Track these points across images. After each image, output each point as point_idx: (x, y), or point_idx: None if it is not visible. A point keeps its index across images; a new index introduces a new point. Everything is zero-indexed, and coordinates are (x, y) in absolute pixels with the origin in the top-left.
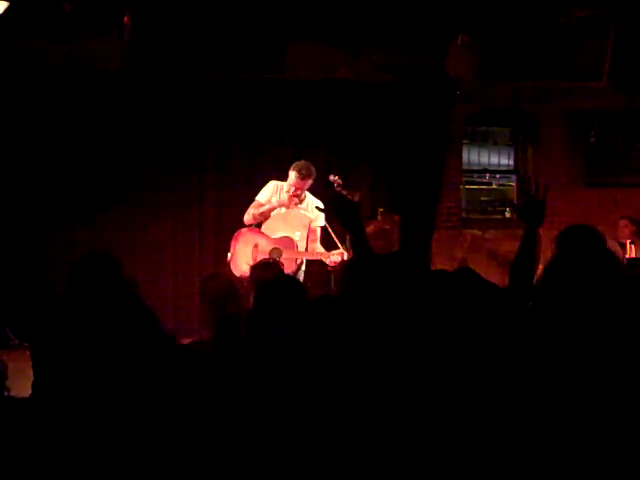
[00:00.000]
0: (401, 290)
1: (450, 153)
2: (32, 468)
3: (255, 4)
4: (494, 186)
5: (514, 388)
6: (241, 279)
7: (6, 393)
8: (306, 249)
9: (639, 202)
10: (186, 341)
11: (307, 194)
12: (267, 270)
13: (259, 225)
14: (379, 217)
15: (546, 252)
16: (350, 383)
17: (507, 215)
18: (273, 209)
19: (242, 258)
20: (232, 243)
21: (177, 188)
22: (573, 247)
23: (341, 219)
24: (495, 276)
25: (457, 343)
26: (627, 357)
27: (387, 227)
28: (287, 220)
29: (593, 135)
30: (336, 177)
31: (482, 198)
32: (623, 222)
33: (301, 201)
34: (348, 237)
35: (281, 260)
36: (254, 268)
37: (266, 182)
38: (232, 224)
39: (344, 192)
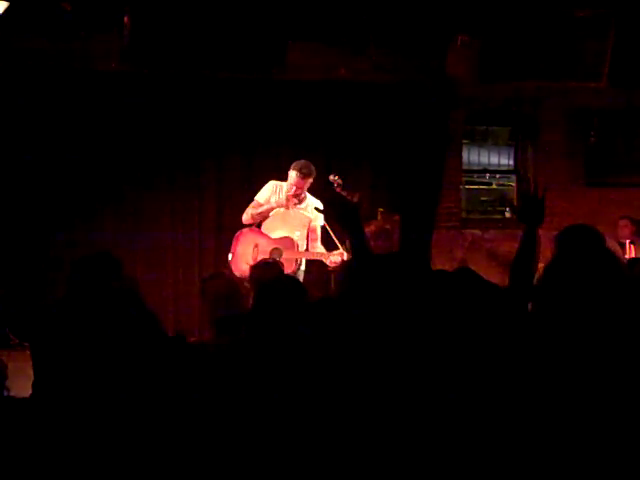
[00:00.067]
0: (401, 290)
1: (450, 153)
2: (32, 468)
3: (255, 4)
4: (494, 186)
5: (514, 388)
6: (242, 279)
7: (6, 393)
8: (306, 249)
9: (639, 202)
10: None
11: (307, 194)
12: (267, 270)
13: (259, 225)
14: (379, 217)
15: (546, 252)
16: (350, 383)
17: (507, 215)
18: (271, 209)
19: (243, 258)
20: (233, 243)
21: (177, 188)
22: (573, 247)
23: (340, 220)
24: (495, 276)
25: (457, 343)
26: (627, 357)
27: (387, 227)
28: (286, 220)
29: (593, 135)
30: (336, 177)
31: (482, 198)
32: (623, 222)
33: (301, 201)
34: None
35: (281, 260)
36: (254, 268)
37: (266, 182)
38: (232, 224)
39: (343, 193)
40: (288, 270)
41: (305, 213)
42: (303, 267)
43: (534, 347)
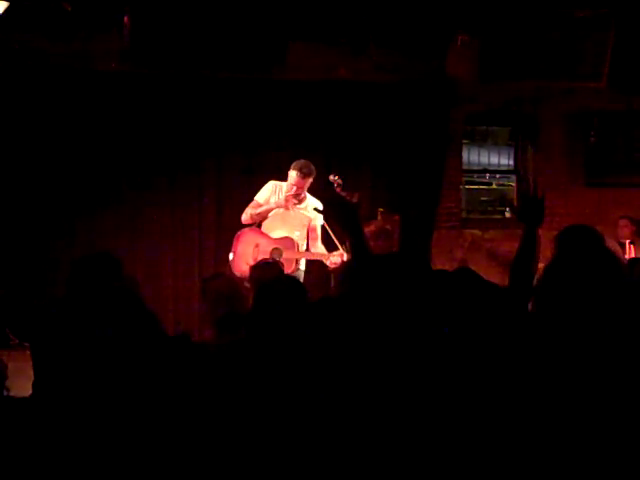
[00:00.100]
0: (401, 290)
1: (450, 153)
2: (32, 468)
3: (255, 4)
4: (494, 186)
5: (514, 388)
6: (242, 279)
7: (6, 393)
8: (307, 248)
9: (639, 202)
10: None
11: (307, 195)
12: (267, 270)
13: (259, 225)
14: (379, 217)
15: (546, 252)
16: (351, 383)
17: (507, 215)
18: (271, 210)
19: (243, 258)
20: (234, 243)
21: (177, 188)
22: (573, 247)
23: (339, 220)
24: (495, 276)
25: (457, 343)
26: (627, 358)
27: (387, 227)
28: (286, 220)
29: (593, 135)
30: (336, 177)
31: (482, 198)
32: (623, 222)
33: (301, 201)
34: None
35: (281, 260)
36: (254, 268)
37: (266, 182)
38: (232, 224)
39: (343, 193)
40: (288, 270)
41: (305, 213)
42: (303, 267)
43: (534, 347)
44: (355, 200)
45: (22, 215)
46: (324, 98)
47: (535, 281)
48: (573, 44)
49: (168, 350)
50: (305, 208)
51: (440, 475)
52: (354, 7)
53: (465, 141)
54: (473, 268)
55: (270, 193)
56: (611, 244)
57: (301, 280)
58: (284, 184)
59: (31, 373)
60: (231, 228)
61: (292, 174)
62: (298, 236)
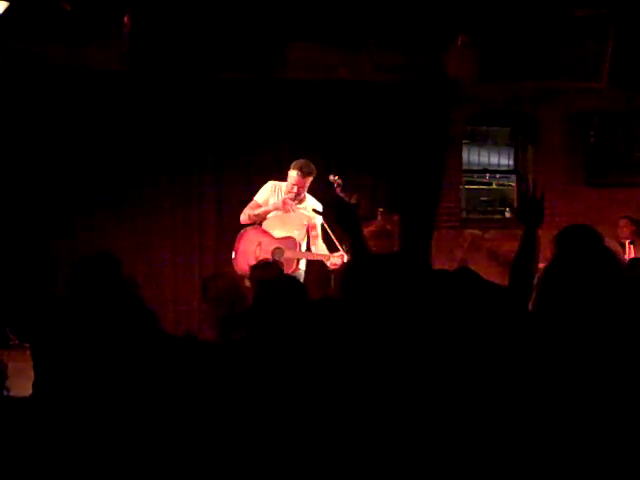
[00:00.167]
0: (402, 290)
1: (450, 153)
2: (32, 468)
3: (255, 4)
4: (494, 186)
5: (514, 388)
6: (243, 277)
7: (6, 393)
8: (307, 247)
9: (639, 202)
10: None
11: (307, 195)
12: (267, 270)
13: (261, 224)
14: (379, 217)
15: (546, 252)
16: (351, 383)
17: (507, 215)
18: (269, 212)
19: (245, 256)
20: (236, 241)
21: (177, 188)
22: (572, 247)
23: (339, 221)
24: (495, 276)
25: (458, 343)
26: (627, 357)
27: (388, 227)
28: (285, 219)
29: (593, 135)
30: (336, 177)
31: (482, 198)
32: (623, 222)
33: (301, 201)
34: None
35: (281, 260)
36: (254, 268)
37: (266, 182)
38: (232, 224)
39: (342, 194)
40: (288, 270)
41: (305, 213)
42: (303, 267)
43: (534, 347)
44: (354, 201)
45: (22, 215)
46: (324, 98)
47: (535, 281)
48: (573, 44)
49: (171, 350)
50: (305, 208)
51: (440, 475)
52: (354, 7)
53: (465, 141)
54: (473, 268)
55: (269, 193)
56: (611, 244)
57: (301, 280)
58: (283, 184)
59: (31, 373)
60: (231, 228)
61: (292, 173)
62: (297, 235)
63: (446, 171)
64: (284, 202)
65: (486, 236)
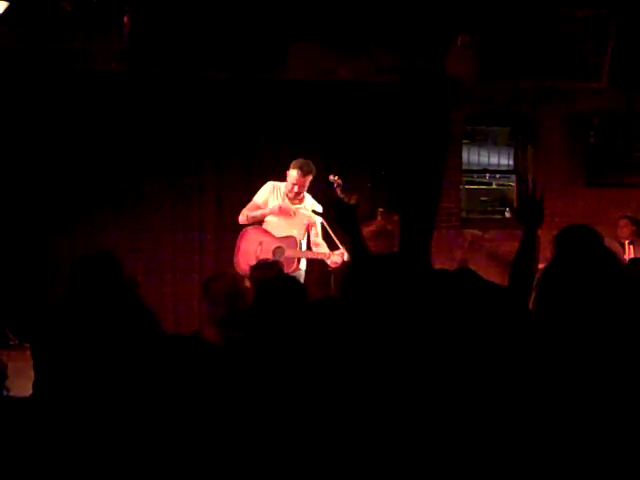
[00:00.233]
0: (402, 290)
1: (450, 153)
2: (32, 468)
3: (256, 5)
4: (494, 186)
5: (515, 388)
6: (244, 276)
7: (6, 393)
8: (308, 246)
9: (639, 202)
10: None
11: (307, 195)
12: (267, 270)
13: (261, 223)
14: (379, 217)
15: (546, 252)
16: (350, 383)
17: (507, 215)
18: (266, 215)
19: (246, 255)
20: (238, 240)
21: (177, 188)
22: (572, 247)
23: (338, 222)
24: (495, 276)
25: (458, 343)
26: (627, 357)
27: (388, 227)
28: (285, 219)
29: (593, 135)
30: (336, 177)
31: (482, 198)
32: (623, 222)
33: (300, 201)
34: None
35: (282, 259)
36: (254, 269)
37: (266, 182)
38: (232, 224)
39: (342, 195)
40: (289, 269)
41: (305, 212)
42: (304, 267)
43: (534, 347)
44: (354, 202)
45: (22, 215)
46: (324, 99)
47: (535, 281)
48: (573, 44)
49: (171, 349)
50: (304, 207)
51: (440, 475)
52: (355, 8)
53: (465, 141)
54: (473, 268)
55: (268, 194)
56: (611, 244)
57: (302, 280)
58: (283, 185)
59: (31, 373)
60: (231, 228)
61: (292, 173)
62: (296, 234)
63: (446, 171)
64: (280, 208)
65: (486, 236)
